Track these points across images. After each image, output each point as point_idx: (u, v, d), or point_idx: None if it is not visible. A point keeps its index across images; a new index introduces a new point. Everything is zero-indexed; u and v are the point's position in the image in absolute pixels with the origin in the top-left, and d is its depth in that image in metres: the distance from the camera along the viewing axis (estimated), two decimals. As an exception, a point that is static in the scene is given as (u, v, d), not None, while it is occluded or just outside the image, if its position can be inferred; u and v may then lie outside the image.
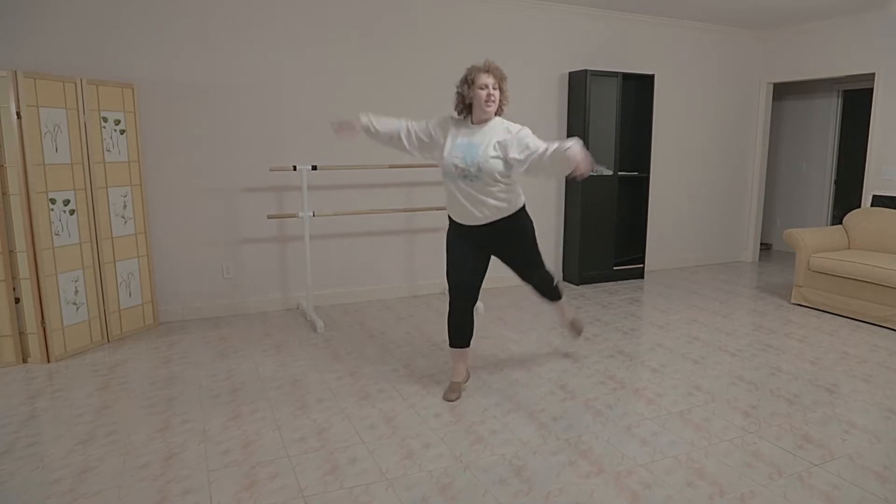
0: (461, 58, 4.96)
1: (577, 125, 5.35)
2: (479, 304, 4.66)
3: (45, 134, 3.48)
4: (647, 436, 2.67)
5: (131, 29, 4.00)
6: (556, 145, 2.65)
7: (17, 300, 3.53)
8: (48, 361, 3.57)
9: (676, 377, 3.34)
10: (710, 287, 5.48)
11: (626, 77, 5.45)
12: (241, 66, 4.32)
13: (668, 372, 3.42)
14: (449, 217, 3.03)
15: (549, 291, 3.33)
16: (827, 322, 4.38)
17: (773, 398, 3.07)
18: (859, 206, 5.62)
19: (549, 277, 3.28)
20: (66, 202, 3.62)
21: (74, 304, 3.70)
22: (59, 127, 3.55)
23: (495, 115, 2.91)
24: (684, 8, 5.36)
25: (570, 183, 5.50)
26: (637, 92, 5.66)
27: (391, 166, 4.53)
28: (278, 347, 3.83)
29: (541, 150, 2.71)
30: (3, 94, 3.32)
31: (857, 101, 6.46)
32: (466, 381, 3.17)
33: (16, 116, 3.34)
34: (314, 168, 4.19)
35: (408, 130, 2.96)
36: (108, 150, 3.83)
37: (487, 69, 2.82)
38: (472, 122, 2.90)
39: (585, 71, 5.20)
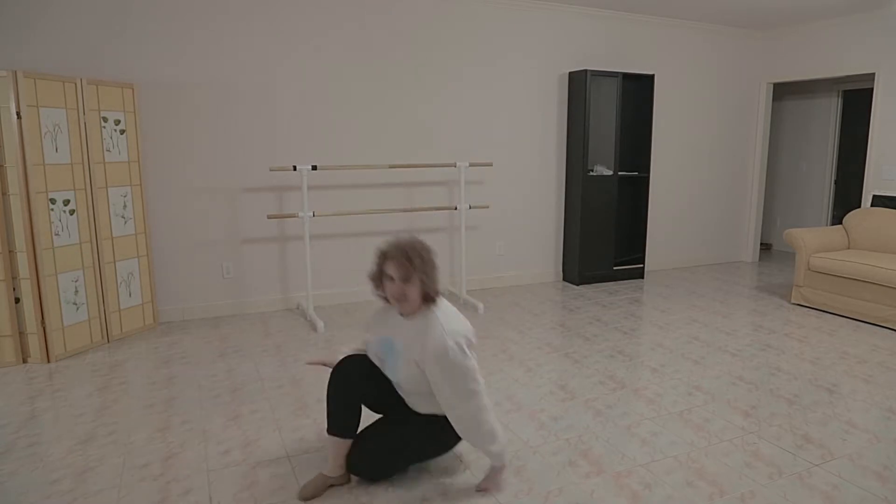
0: (460, 57, 5.01)
1: (577, 125, 5.35)
2: (478, 303, 4.66)
3: (45, 134, 3.48)
4: (647, 436, 2.67)
5: (131, 29, 4.00)
6: (494, 440, 2.13)
7: (17, 300, 3.53)
8: (48, 361, 3.57)
9: (676, 377, 3.34)
10: (710, 287, 5.48)
11: (626, 77, 5.45)
12: (241, 66, 4.32)
13: (668, 372, 3.42)
14: None
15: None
16: (827, 322, 4.38)
17: (773, 398, 3.07)
18: (859, 206, 5.62)
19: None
20: (66, 202, 3.62)
21: (74, 303, 3.70)
22: (59, 127, 3.55)
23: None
24: (684, 8, 5.36)
25: (571, 183, 5.50)
26: (637, 92, 5.66)
27: (391, 166, 4.53)
28: (278, 347, 3.83)
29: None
30: (3, 94, 3.32)
31: (857, 101, 6.46)
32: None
33: (16, 116, 3.34)
34: (314, 168, 4.19)
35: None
36: (108, 150, 3.83)
37: (387, 255, 2.10)
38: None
39: (585, 71, 5.20)
